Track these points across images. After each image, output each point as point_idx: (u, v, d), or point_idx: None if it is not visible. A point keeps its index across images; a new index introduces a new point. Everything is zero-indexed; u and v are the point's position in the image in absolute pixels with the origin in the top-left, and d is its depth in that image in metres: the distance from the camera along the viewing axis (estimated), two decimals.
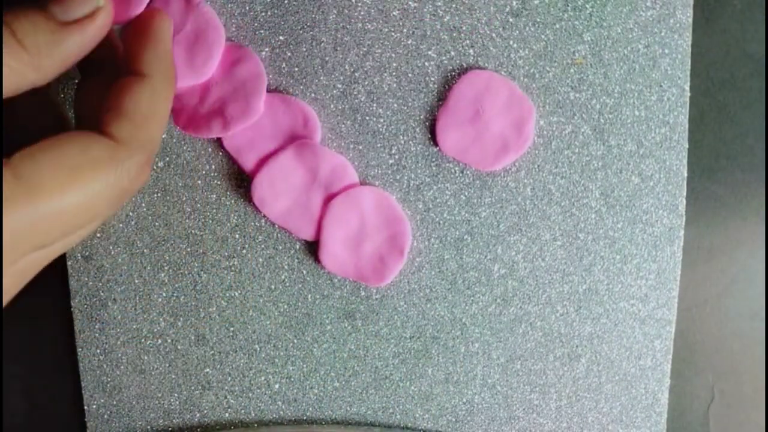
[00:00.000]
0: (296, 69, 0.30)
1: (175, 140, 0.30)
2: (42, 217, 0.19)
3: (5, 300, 0.23)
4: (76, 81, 0.28)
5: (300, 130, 0.30)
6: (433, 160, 0.30)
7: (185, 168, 0.31)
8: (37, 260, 0.24)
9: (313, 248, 0.31)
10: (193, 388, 0.32)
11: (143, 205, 0.31)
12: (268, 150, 0.30)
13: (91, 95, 0.24)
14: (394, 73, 0.30)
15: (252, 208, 0.31)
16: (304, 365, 0.32)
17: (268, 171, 0.30)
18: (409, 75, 0.30)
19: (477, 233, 0.30)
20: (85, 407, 0.32)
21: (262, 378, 0.32)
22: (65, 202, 0.20)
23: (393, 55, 0.30)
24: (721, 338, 0.32)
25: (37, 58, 0.21)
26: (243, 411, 0.32)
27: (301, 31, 0.30)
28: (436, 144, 0.30)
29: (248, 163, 0.30)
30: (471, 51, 0.29)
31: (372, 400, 0.32)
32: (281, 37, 0.30)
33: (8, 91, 0.21)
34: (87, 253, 0.31)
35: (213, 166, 0.31)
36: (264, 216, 0.31)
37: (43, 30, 0.21)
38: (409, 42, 0.30)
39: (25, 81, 0.21)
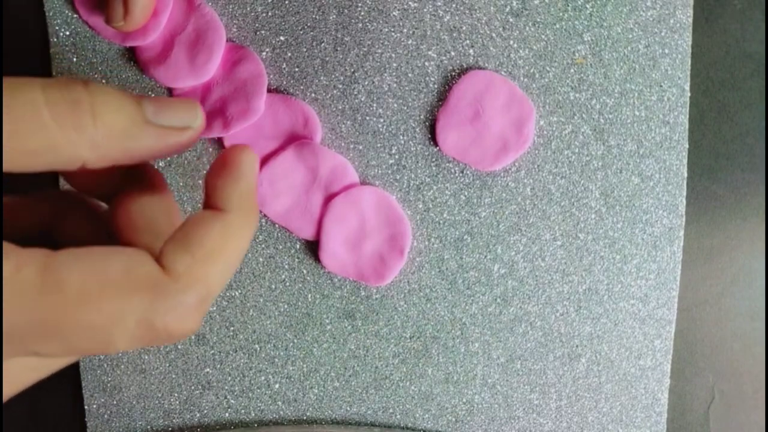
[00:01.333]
0: (297, 69, 0.30)
1: None
2: (46, 323, 0.17)
3: None
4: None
5: (300, 130, 0.30)
6: (433, 160, 0.30)
7: (186, 168, 0.31)
8: (30, 366, 0.21)
9: (313, 248, 0.31)
10: (193, 388, 0.32)
11: None
12: (269, 150, 0.30)
13: (131, 211, 0.21)
14: (394, 73, 0.30)
15: None
16: (304, 365, 0.32)
17: (268, 171, 0.30)
18: (409, 75, 0.30)
19: (477, 233, 0.30)
20: (85, 407, 0.32)
21: (262, 378, 0.32)
22: (77, 318, 0.17)
23: (393, 55, 0.30)
24: (721, 338, 0.32)
25: (99, 137, 0.18)
26: (243, 411, 0.32)
27: (301, 32, 0.30)
28: (436, 144, 0.30)
29: None
30: (471, 51, 0.29)
31: (372, 400, 0.32)
32: (282, 38, 0.30)
33: (56, 158, 0.17)
34: None
35: None
36: (264, 216, 0.31)
37: (125, 114, 0.18)
38: (409, 42, 0.30)
39: (74, 154, 0.17)
